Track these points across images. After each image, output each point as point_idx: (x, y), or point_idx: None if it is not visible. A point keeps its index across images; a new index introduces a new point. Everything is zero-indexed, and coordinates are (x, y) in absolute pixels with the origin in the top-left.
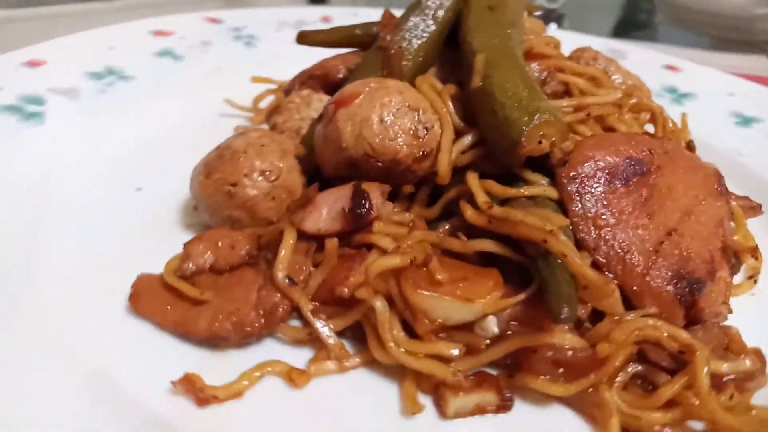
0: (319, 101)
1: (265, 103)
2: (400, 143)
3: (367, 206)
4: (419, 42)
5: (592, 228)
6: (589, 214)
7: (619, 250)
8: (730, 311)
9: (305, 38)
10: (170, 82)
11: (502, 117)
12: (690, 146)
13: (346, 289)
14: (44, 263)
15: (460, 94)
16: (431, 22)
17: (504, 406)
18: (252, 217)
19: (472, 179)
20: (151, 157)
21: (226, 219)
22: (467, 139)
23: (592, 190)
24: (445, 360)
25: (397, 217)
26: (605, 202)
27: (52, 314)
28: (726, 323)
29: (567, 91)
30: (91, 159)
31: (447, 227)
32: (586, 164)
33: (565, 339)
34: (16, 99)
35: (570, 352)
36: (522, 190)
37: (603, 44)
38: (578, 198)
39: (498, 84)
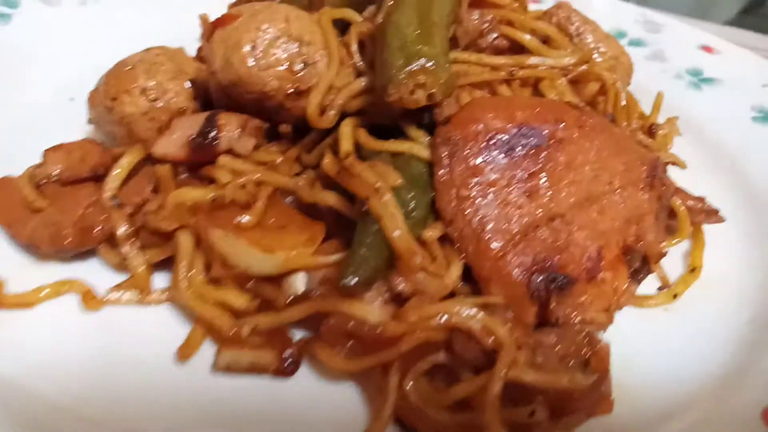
0: None
1: None
2: (270, 76)
3: (212, 136)
4: None
5: (453, 198)
6: (454, 183)
7: (476, 227)
8: (610, 321)
9: None
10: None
11: (383, 59)
12: (651, 131)
13: (150, 217)
14: None
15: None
16: None
17: (283, 371)
18: (129, 135)
19: (345, 126)
20: (102, 71)
21: (109, 134)
22: (362, 83)
23: (465, 156)
24: (237, 311)
25: (260, 156)
26: (476, 172)
27: None
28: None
29: (513, 48)
30: (43, 65)
31: (312, 175)
32: (469, 126)
33: (358, 310)
34: None
35: (364, 327)
36: (386, 144)
37: (639, 14)
38: (447, 162)
39: (393, 22)
